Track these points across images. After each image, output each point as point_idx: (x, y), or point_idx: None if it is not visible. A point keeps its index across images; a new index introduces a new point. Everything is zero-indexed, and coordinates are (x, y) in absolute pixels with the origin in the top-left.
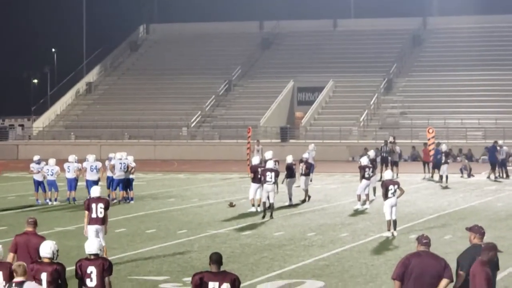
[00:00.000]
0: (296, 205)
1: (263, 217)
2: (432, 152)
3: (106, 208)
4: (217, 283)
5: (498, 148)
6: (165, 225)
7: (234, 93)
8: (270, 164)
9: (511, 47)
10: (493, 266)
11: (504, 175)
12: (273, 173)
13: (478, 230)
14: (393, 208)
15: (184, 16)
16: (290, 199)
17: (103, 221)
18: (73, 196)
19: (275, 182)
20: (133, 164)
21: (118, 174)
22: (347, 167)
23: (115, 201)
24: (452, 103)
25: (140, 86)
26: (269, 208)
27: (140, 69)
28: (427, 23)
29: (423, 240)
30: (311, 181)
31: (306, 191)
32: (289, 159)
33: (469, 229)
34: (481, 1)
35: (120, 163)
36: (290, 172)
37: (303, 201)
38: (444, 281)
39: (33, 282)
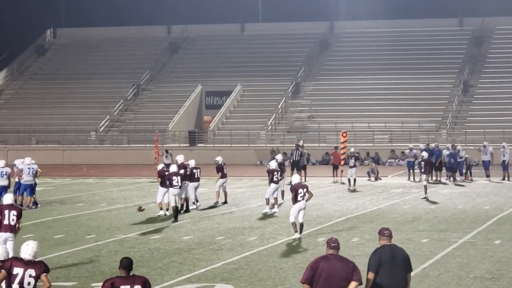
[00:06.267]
0: (204, 209)
1: (174, 221)
2: (344, 156)
3: (18, 216)
4: (128, 287)
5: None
6: (73, 230)
7: (143, 97)
8: (174, 168)
9: (416, 51)
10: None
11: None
12: (178, 177)
13: (381, 232)
14: (301, 211)
15: (92, 20)
16: (194, 203)
17: (13, 229)
18: None
19: (181, 186)
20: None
21: (26, 179)
22: (256, 171)
23: (23, 207)
24: (359, 107)
25: (47, 90)
26: (178, 212)
27: (48, 73)
28: (334, 27)
29: (332, 244)
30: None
31: (225, 193)
32: (192, 163)
33: (378, 232)
34: (387, 6)
35: (29, 168)
36: (191, 176)
37: (224, 202)
38: (352, 284)
39: None
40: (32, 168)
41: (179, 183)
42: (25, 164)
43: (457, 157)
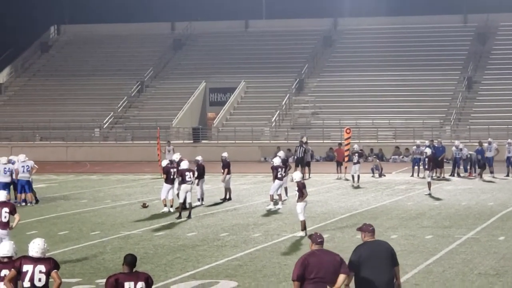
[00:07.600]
0: (208, 205)
1: (178, 217)
2: (347, 152)
3: (11, 213)
4: (132, 283)
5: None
6: (77, 227)
7: (146, 94)
8: (185, 165)
9: (420, 48)
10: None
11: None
12: (191, 173)
13: (366, 228)
14: (305, 208)
15: (96, 17)
16: (199, 199)
17: (6, 226)
18: None
19: (193, 182)
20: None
21: (22, 176)
22: (259, 168)
23: (25, 203)
24: (363, 103)
25: (51, 87)
26: (187, 208)
27: (51, 70)
28: (338, 24)
29: (318, 239)
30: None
31: (228, 190)
32: (199, 159)
33: (359, 229)
34: (390, 2)
35: (23, 166)
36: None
37: (228, 199)
38: (341, 277)
39: None
40: (27, 165)
41: (192, 179)
42: (20, 161)
43: (484, 153)
